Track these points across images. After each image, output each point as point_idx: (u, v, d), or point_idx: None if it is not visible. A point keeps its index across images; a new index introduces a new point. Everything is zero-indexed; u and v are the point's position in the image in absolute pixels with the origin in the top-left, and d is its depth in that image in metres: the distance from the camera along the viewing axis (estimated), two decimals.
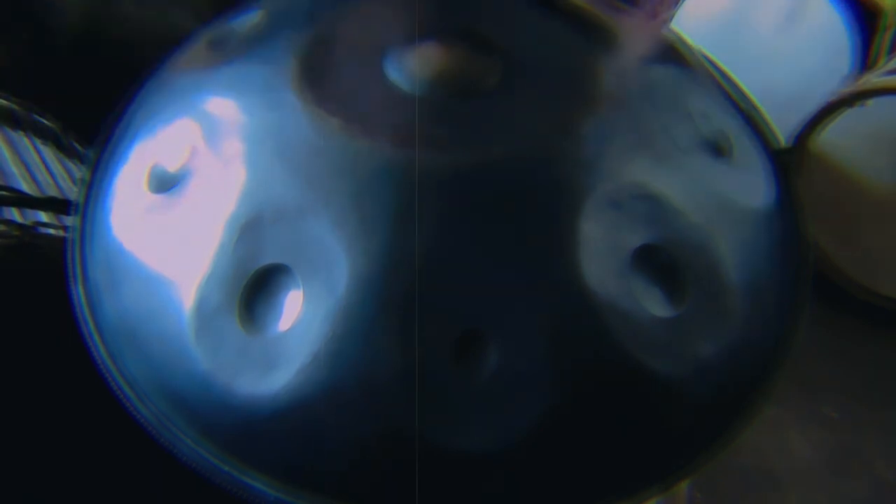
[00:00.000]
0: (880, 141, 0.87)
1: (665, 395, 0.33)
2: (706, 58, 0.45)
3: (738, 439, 0.35)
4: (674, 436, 0.35)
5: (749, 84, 0.44)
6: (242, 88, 0.38)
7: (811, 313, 0.38)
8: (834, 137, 0.88)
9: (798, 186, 0.42)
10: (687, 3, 1.09)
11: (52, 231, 0.52)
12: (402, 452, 0.31)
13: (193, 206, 0.36)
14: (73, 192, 0.49)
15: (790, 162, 0.88)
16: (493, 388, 0.31)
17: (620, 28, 0.43)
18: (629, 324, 0.32)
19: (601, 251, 0.33)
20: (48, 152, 0.64)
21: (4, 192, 0.54)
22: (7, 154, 0.61)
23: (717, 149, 0.38)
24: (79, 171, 0.65)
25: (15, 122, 0.65)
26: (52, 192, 0.59)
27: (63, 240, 0.41)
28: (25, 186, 0.57)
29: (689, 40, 0.45)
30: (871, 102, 0.85)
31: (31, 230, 0.51)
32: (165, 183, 0.37)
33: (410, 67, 0.37)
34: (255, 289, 0.33)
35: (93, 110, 0.46)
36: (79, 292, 0.38)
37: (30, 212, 0.53)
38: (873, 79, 0.87)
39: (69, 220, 0.42)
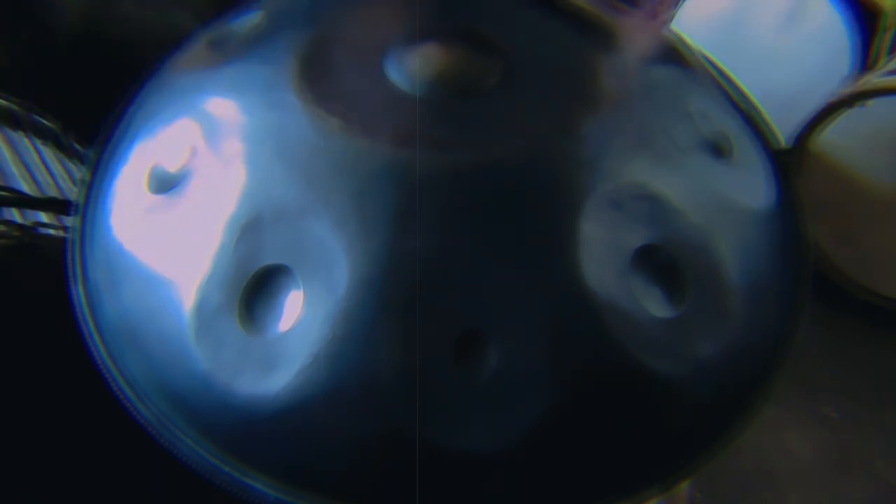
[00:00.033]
0: (880, 141, 0.87)
1: (665, 396, 0.33)
2: (706, 58, 0.45)
3: (738, 439, 0.35)
4: (674, 436, 0.35)
5: (749, 84, 0.44)
6: (243, 88, 0.38)
7: (811, 313, 0.38)
8: (834, 138, 0.88)
9: (798, 187, 0.42)
10: (687, 3, 1.09)
11: (52, 231, 0.52)
12: (402, 452, 0.31)
13: (193, 207, 0.36)
14: (73, 193, 0.49)
15: (790, 162, 0.88)
16: (493, 389, 0.31)
17: (620, 28, 0.43)
18: (629, 324, 0.32)
19: (601, 251, 0.33)
20: (48, 153, 0.64)
21: (4, 193, 0.54)
22: (7, 154, 0.61)
23: (718, 149, 0.38)
24: (79, 172, 0.65)
25: (15, 122, 0.65)
26: (52, 192, 0.59)
27: (63, 240, 0.41)
28: (25, 187, 0.57)
29: (689, 41, 0.45)
30: (871, 103, 0.85)
31: (31, 230, 0.51)
32: (165, 183, 0.37)
33: (411, 67, 0.37)
34: (255, 289, 0.33)
35: (93, 110, 0.46)
36: (79, 292, 0.38)
37: (30, 212, 0.53)
38: (873, 79, 0.87)
39: (69, 221, 0.42)
